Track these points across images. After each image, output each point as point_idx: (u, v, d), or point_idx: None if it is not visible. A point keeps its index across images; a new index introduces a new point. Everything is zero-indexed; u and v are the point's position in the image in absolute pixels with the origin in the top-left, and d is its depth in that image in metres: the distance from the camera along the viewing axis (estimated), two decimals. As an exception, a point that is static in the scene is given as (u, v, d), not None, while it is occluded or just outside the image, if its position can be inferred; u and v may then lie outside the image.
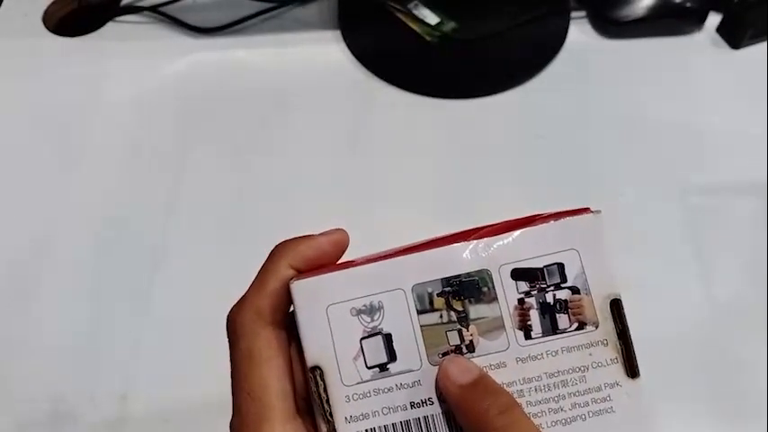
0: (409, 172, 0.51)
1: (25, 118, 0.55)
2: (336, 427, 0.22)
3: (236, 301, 0.23)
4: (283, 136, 0.54)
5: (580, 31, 0.59)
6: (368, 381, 0.22)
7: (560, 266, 0.22)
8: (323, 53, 0.59)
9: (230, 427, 0.22)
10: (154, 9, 0.61)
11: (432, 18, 0.60)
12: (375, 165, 0.52)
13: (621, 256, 0.48)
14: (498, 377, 0.22)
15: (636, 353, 0.22)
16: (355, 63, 0.58)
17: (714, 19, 0.58)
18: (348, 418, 0.22)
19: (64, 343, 0.45)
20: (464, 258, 0.22)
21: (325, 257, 0.23)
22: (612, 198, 0.50)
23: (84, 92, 0.57)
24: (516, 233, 0.22)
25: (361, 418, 0.22)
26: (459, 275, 0.22)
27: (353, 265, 0.22)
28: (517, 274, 0.22)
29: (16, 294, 0.47)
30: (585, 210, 0.23)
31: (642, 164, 0.52)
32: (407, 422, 0.22)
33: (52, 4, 0.62)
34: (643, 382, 0.22)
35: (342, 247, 0.24)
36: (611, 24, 0.59)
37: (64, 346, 0.45)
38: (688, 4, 0.58)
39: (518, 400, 0.21)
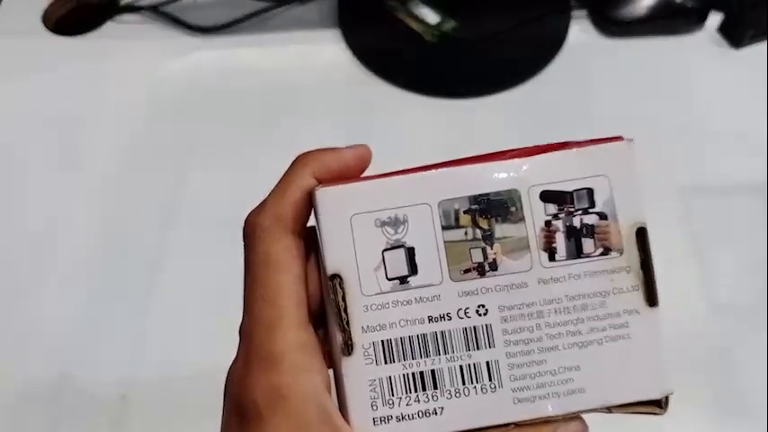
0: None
1: (25, 118, 0.55)
2: (352, 336, 0.21)
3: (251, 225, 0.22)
4: (283, 136, 0.54)
5: (581, 31, 0.59)
6: (387, 292, 0.22)
7: (590, 191, 0.22)
8: (323, 53, 0.59)
9: (240, 331, 0.22)
10: (154, 9, 0.61)
11: (432, 17, 0.59)
12: (375, 165, 0.52)
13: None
14: (519, 297, 0.22)
15: (656, 282, 0.22)
16: (355, 63, 0.58)
17: (715, 19, 0.58)
18: (365, 327, 0.21)
19: (64, 342, 0.45)
20: (494, 177, 0.22)
21: (349, 171, 0.23)
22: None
23: (84, 92, 0.57)
24: (548, 156, 0.22)
25: (377, 328, 0.21)
26: (487, 194, 0.22)
27: (380, 177, 0.22)
28: (546, 197, 0.22)
29: (16, 294, 0.47)
30: (619, 138, 0.23)
31: (642, 164, 0.51)
32: (423, 336, 0.21)
33: (52, 3, 0.62)
34: (661, 311, 0.22)
35: (365, 161, 0.23)
36: (612, 24, 0.59)
37: (64, 346, 0.45)
38: (689, 4, 0.58)
39: (537, 322, 0.21)
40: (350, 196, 0.22)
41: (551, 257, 0.22)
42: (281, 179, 0.23)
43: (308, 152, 0.23)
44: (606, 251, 0.22)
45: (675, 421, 0.41)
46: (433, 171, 0.22)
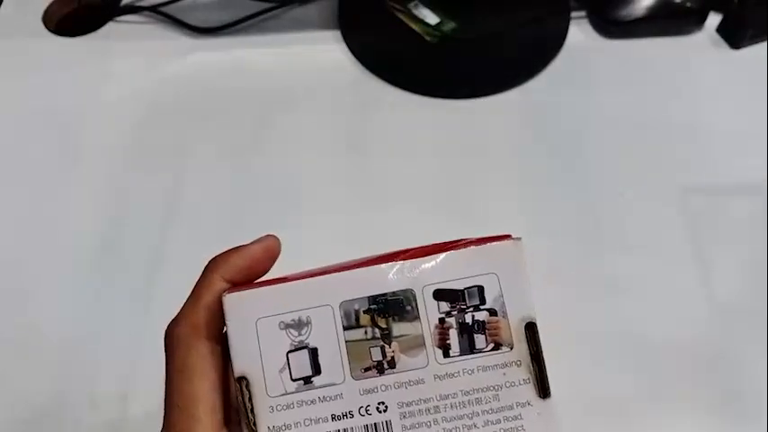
0: (409, 172, 0.51)
1: (25, 118, 0.55)
2: None
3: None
4: (283, 136, 0.54)
5: (580, 31, 0.59)
6: (292, 393, 0.22)
7: (480, 289, 0.23)
8: (323, 53, 0.59)
9: None
10: (154, 9, 0.61)
11: (432, 18, 0.60)
12: (375, 165, 0.52)
13: (621, 256, 0.48)
14: (416, 393, 0.22)
15: (548, 374, 0.23)
16: (355, 63, 0.58)
17: (714, 19, 0.58)
18: (271, 428, 0.22)
19: (64, 343, 0.45)
20: (391, 278, 0.23)
21: (258, 265, 0.24)
22: (612, 198, 0.50)
23: (84, 92, 0.57)
24: (440, 256, 0.23)
25: (283, 428, 0.22)
26: (385, 294, 0.23)
27: (284, 281, 0.23)
28: (439, 295, 0.23)
29: (16, 294, 0.47)
30: (507, 236, 0.23)
31: (642, 164, 0.52)
32: None
33: (52, 3, 0.62)
34: (554, 402, 0.23)
35: (273, 252, 0.24)
36: (612, 24, 0.59)
37: (64, 347, 0.45)
38: (688, 4, 0.58)
39: (434, 417, 0.22)
40: (255, 300, 0.23)
41: (446, 354, 0.23)
42: (195, 286, 0.24)
43: (217, 256, 0.24)
44: (497, 346, 0.23)
45: (676, 421, 0.41)
46: (334, 274, 0.23)
